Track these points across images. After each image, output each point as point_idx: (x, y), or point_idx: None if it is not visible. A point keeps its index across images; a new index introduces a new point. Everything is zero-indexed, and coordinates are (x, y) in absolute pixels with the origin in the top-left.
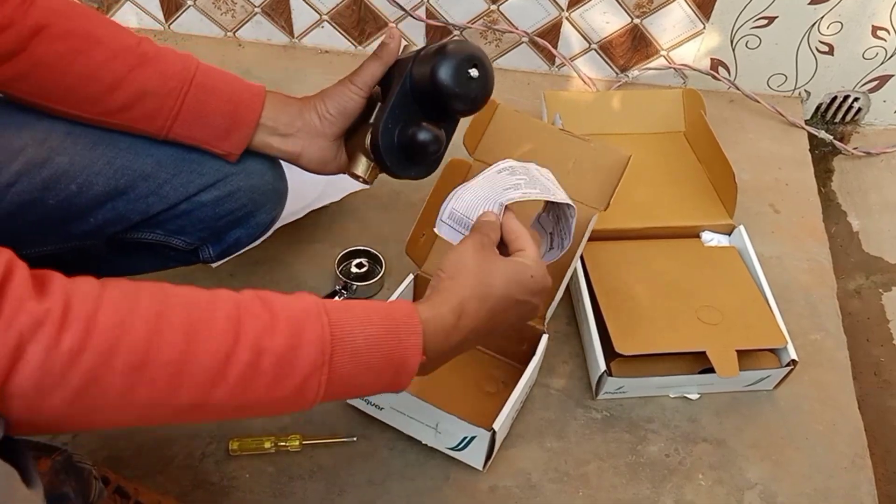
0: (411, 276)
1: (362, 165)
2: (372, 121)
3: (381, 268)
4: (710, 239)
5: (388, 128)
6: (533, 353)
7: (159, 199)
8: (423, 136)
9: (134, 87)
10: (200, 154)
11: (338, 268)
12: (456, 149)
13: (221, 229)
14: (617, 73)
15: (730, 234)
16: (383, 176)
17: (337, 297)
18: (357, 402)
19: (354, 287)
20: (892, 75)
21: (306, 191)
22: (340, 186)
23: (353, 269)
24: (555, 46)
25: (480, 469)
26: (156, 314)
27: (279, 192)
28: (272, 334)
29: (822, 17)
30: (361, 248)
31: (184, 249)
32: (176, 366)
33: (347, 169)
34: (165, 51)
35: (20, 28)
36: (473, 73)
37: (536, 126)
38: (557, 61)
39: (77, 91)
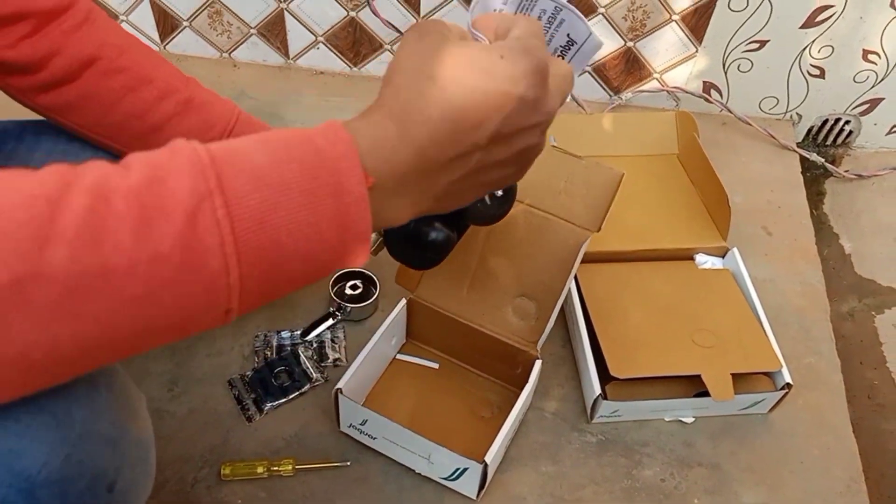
0: (404, 301)
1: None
2: None
3: (376, 289)
4: (704, 261)
5: None
6: (527, 378)
7: None
8: (434, 235)
9: (177, 132)
10: None
11: (332, 289)
12: None
13: None
14: (610, 95)
15: (723, 257)
16: None
17: (331, 320)
18: (350, 431)
19: (349, 309)
20: (883, 98)
21: None
22: None
23: (348, 291)
24: None
25: (474, 499)
26: None
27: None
28: (122, 175)
29: (814, 42)
30: (356, 269)
31: None
32: None
33: None
34: (211, 97)
35: (72, 57)
36: (498, 193)
37: None
38: None
39: (122, 127)
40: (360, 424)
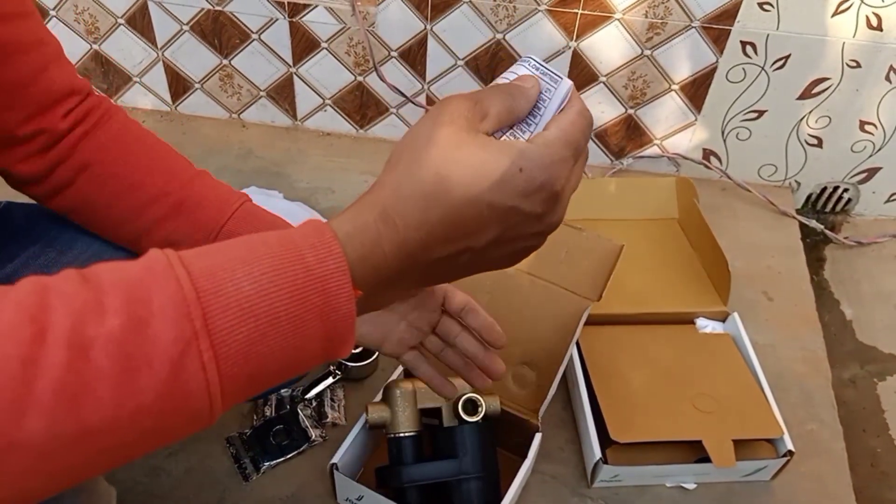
0: (401, 368)
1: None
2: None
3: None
4: (705, 326)
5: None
6: (528, 446)
7: None
8: None
9: (161, 234)
10: None
11: None
12: None
13: None
14: (612, 160)
15: (724, 321)
16: None
17: (331, 379)
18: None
19: (349, 367)
20: (881, 168)
21: None
22: None
23: None
24: None
25: None
26: None
27: None
28: (99, 316)
29: (811, 112)
30: None
31: None
32: None
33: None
34: (210, 195)
35: (71, 165)
36: None
37: None
38: None
39: (117, 231)
40: (357, 499)
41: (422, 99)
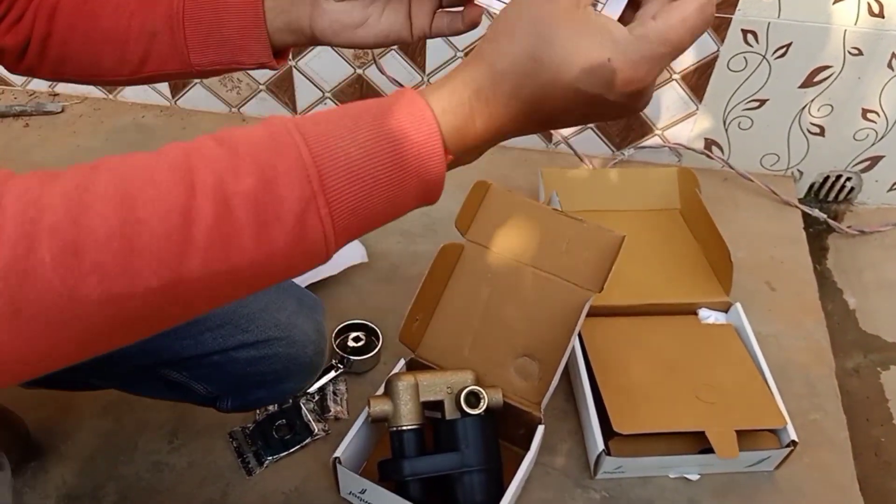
0: (403, 361)
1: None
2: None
3: (379, 342)
4: (707, 316)
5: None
6: (530, 438)
7: (195, 345)
8: None
9: (142, 32)
10: (255, 311)
11: (334, 341)
12: (448, 231)
13: (246, 386)
14: (613, 151)
15: (726, 312)
16: (380, 250)
17: (333, 372)
18: (350, 497)
19: (351, 361)
20: (883, 156)
21: None
22: (339, 260)
23: (351, 343)
24: None
25: None
26: (76, 186)
27: (315, 367)
28: (235, 175)
29: (813, 101)
30: (359, 321)
31: (202, 394)
32: (119, 241)
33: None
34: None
35: (39, 14)
36: None
37: (529, 206)
38: (554, 139)
39: (105, 57)
40: (360, 493)
41: None
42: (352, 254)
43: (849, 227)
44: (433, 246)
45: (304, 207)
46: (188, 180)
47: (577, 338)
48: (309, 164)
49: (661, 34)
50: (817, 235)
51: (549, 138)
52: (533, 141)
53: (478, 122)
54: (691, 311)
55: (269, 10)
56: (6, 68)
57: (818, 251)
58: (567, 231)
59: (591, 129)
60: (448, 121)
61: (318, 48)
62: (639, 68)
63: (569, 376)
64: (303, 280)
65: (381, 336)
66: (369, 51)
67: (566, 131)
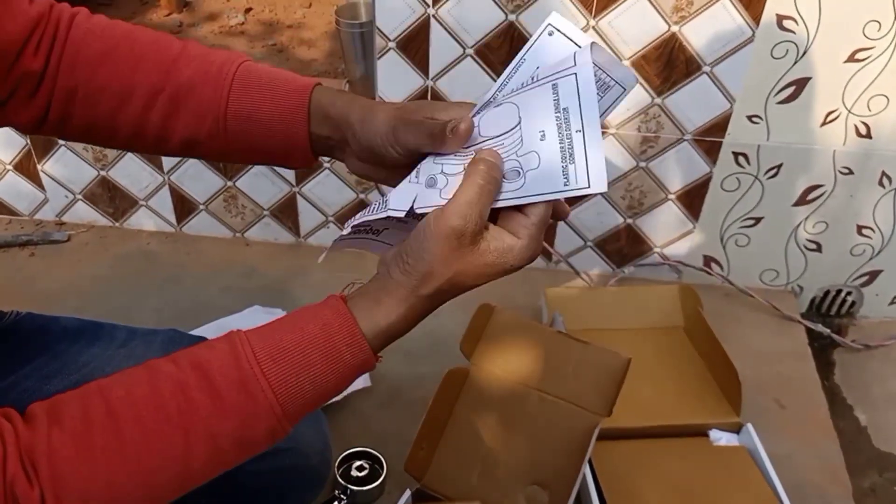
0: (409, 493)
1: None
2: None
3: (383, 470)
4: (719, 438)
5: None
6: None
7: None
8: None
9: (175, 134)
10: None
11: (337, 471)
12: (452, 350)
13: (246, 496)
14: (613, 269)
15: (738, 433)
16: (382, 372)
17: None
18: None
19: (355, 493)
20: (882, 270)
21: None
22: None
23: (354, 473)
24: (551, 244)
25: None
26: (107, 461)
27: (321, 478)
28: (220, 419)
29: (807, 218)
30: (362, 449)
31: None
32: (144, 489)
33: None
34: (199, 76)
35: (59, 95)
36: None
37: (534, 329)
38: (554, 258)
39: (133, 143)
40: None
41: None
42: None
43: (853, 341)
44: (436, 367)
45: (270, 432)
46: (185, 427)
47: (587, 464)
48: (275, 407)
49: (520, 241)
50: (822, 350)
51: (548, 257)
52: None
53: (403, 328)
54: (701, 432)
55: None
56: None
57: (825, 366)
58: (573, 354)
59: (591, 247)
60: (379, 341)
61: (323, 174)
62: (529, 257)
63: (580, 501)
64: None
65: (384, 464)
66: None
67: (564, 250)
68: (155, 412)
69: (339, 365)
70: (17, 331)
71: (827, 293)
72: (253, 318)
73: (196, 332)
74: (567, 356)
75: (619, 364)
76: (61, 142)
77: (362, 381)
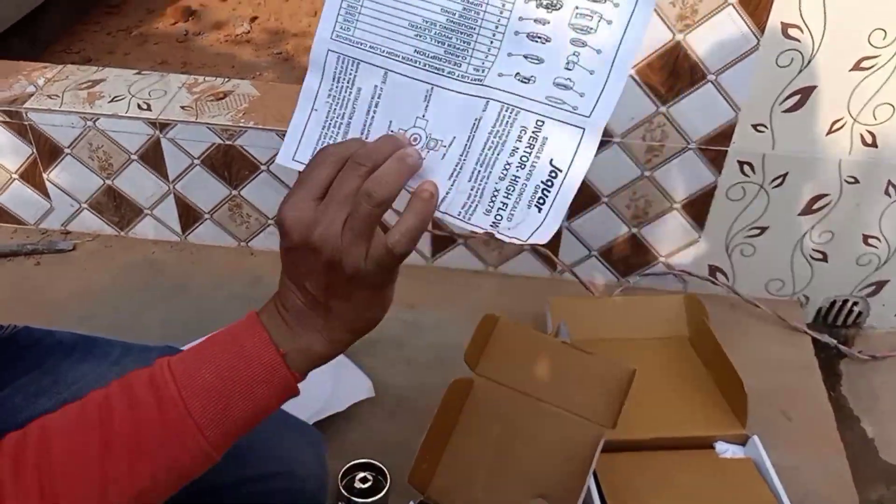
0: None
1: None
2: None
3: (387, 482)
4: (725, 450)
5: None
6: None
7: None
8: None
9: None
10: (254, 443)
11: (341, 482)
12: (455, 360)
13: None
14: (618, 278)
15: (744, 445)
16: (385, 382)
17: None
18: None
19: None
20: (888, 280)
21: (310, 402)
22: (345, 397)
23: (358, 484)
24: (556, 254)
25: None
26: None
27: (316, 503)
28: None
29: (813, 227)
30: (365, 461)
31: None
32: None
33: None
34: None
35: None
36: None
37: (538, 339)
38: (559, 267)
39: None
40: None
41: None
42: (357, 389)
43: (859, 352)
44: (440, 377)
45: (203, 460)
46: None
47: (592, 476)
48: (204, 444)
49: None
50: (829, 361)
51: (553, 266)
52: (537, 268)
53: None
54: (707, 444)
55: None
56: None
57: (832, 377)
58: (578, 364)
59: (596, 256)
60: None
61: None
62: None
63: None
64: (308, 417)
65: (388, 476)
66: None
67: (570, 260)
68: (77, 423)
69: (250, 391)
70: (11, 345)
71: (833, 303)
72: None
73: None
74: (572, 367)
75: (624, 375)
76: (67, 150)
77: (366, 391)
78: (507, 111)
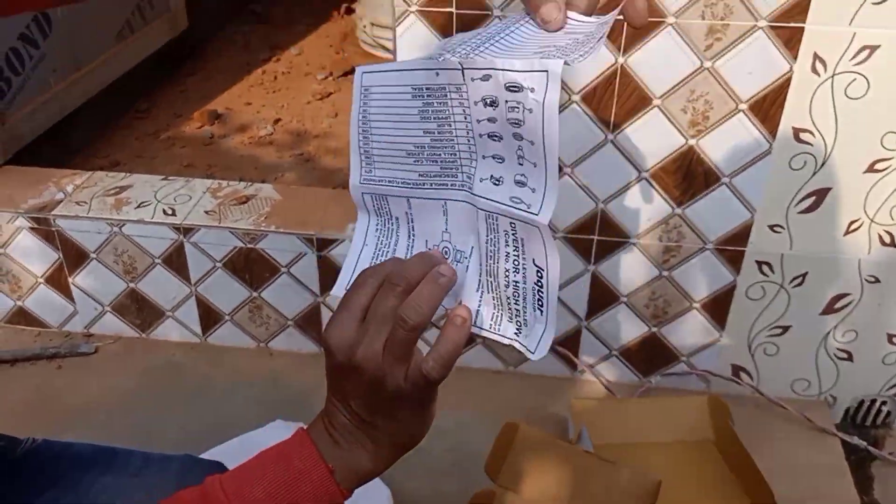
0: None
1: None
2: None
3: None
4: None
5: None
6: None
7: None
8: None
9: None
10: None
11: None
12: (476, 468)
13: None
14: (640, 378)
15: None
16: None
17: None
18: None
19: None
20: None
21: None
22: None
23: None
24: (575, 353)
25: None
26: None
27: None
28: None
29: (836, 327)
30: None
31: None
32: None
33: None
34: None
35: None
36: None
37: (560, 448)
38: (580, 367)
39: None
40: None
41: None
42: (376, 501)
43: (890, 453)
44: (460, 485)
45: None
46: None
47: None
48: None
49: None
50: (860, 463)
51: (573, 366)
52: (557, 368)
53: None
54: None
55: None
56: None
57: (863, 481)
58: (602, 476)
59: (616, 356)
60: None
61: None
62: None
63: None
64: None
65: None
66: None
67: (591, 359)
68: None
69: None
70: (31, 461)
71: (861, 403)
72: (275, 433)
73: (218, 448)
74: (596, 478)
75: (650, 486)
76: (93, 255)
77: (386, 501)
78: (490, 218)
